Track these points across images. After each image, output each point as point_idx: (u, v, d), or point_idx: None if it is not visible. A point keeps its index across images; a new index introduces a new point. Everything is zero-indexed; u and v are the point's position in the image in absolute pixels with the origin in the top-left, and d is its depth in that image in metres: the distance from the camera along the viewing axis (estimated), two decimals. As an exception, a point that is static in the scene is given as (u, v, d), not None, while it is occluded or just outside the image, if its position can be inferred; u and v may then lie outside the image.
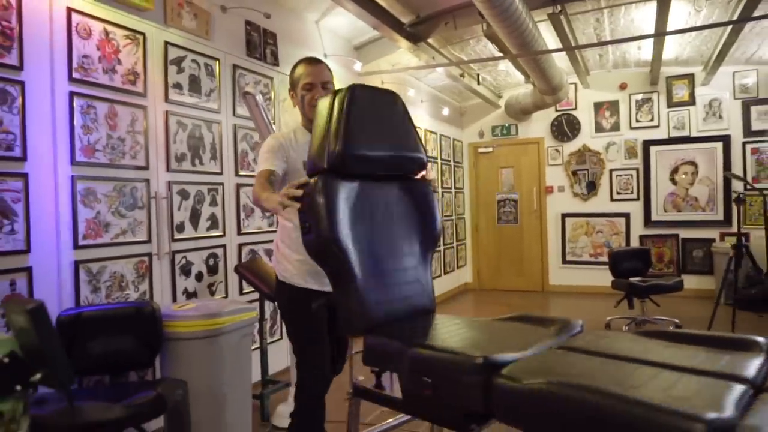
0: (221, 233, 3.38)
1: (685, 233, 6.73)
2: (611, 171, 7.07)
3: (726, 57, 5.57)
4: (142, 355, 2.43)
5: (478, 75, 6.45)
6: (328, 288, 1.82)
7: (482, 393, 1.30)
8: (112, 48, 2.70)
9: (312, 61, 2.17)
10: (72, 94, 2.50)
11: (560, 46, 5.10)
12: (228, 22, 3.49)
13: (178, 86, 3.08)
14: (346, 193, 1.71)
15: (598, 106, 7.10)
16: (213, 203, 3.32)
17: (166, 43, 3.01)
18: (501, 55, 5.22)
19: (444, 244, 6.98)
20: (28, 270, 2.31)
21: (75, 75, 2.52)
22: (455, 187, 7.51)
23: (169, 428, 2.60)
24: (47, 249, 2.39)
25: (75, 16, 2.52)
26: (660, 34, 4.64)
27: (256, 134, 3.50)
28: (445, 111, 6.79)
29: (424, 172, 1.95)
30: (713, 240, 6.53)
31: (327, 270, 1.72)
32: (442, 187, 7.01)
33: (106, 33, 2.67)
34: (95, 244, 2.59)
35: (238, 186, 3.53)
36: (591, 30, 5.40)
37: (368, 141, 1.74)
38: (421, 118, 6.40)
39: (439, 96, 6.98)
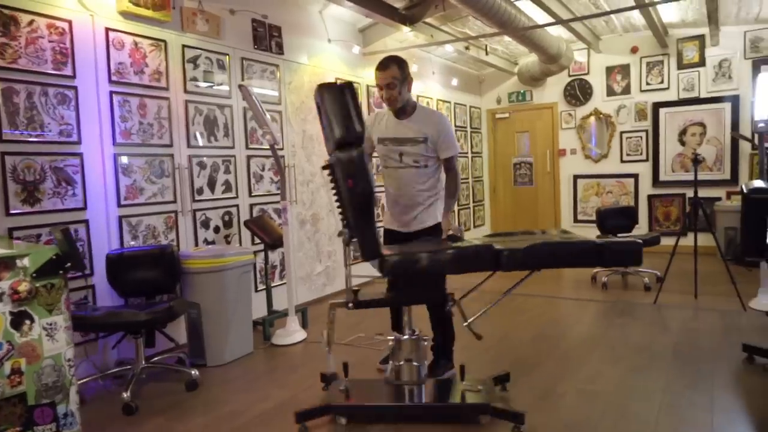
0: (234, 195, 4.25)
1: (691, 192, 6.95)
2: (621, 133, 7.34)
3: (721, 18, 5.71)
4: (167, 283, 3.35)
5: (486, 46, 6.89)
6: (404, 229, 2.96)
7: None
8: (141, 54, 3.55)
9: (379, 67, 2.86)
10: (112, 93, 3.39)
11: (550, 19, 5.49)
12: (236, 22, 4.26)
13: (194, 79, 3.91)
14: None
15: (609, 70, 7.34)
16: (227, 171, 4.18)
17: (184, 46, 3.83)
18: (493, 31, 5.67)
19: (459, 206, 7.60)
20: (86, 222, 3.26)
21: (113, 78, 3.40)
22: (472, 152, 8.05)
23: (190, 339, 3.54)
24: (99, 207, 3.33)
25: (111, 33, 3.38)
26: (626, 9, 4.95)
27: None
28: (454, 81, 7.29)
29: None
30: (719, 198, 6.74)
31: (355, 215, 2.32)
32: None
33: (135, 43, 3.52)
34: (133, 204, 3.52)
35: (249, 157, 4.37)
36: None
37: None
38: (433, 88, 6.97)
39: (454, 67, 7.48)
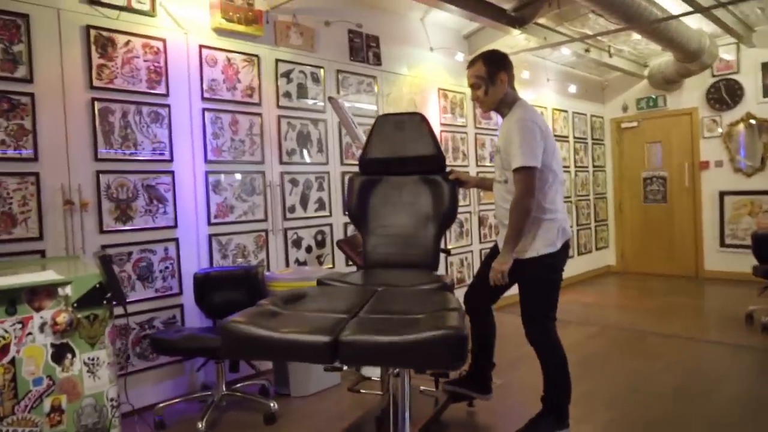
0: (328, 214, 4.06)
1: None
2: (783, 141, 6.14)
3: None
4: (251, 305, 3.19)
5: (609, 47, 6.14)
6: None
7: None
8: (233, 71, 3.50)
9: (467, 66, 2.54)
10: (204, 110, 3.35)
11: (690, 8, 4.69)
12: (332, 34, 4.10)
13: (287, 94, 3.80)
14: (368, 184, 2.59)
15: (767, 67, 6.19)
16: (320, 189, 4.00)
17: (277, 60, 3.73)
18: (618, 27, 4.98)
19: (578, 225, 6.84)
20: (176, 240, 3.22)
21: (205, 95, 3.36)
22: (593, 166, 7.25)
23: (275, 366, 3.36)
24: (189, 225, 3.28)
25: (204, 51, 3.36)
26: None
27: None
28: (572, 88, 6.59)
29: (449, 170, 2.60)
30: None
31: (357, 228, 2.65)
32: (576, 167, 6.86)
33: (228, 60, 3.47)
34: (223, 222, 3.44)
35: (344, 174, 4.16)
36: (735, -15, 4.83)
37: (386, 150, 2.58)
38: (547, 97, 6.36)
39: (572, 72, 6.79)
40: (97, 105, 2.90)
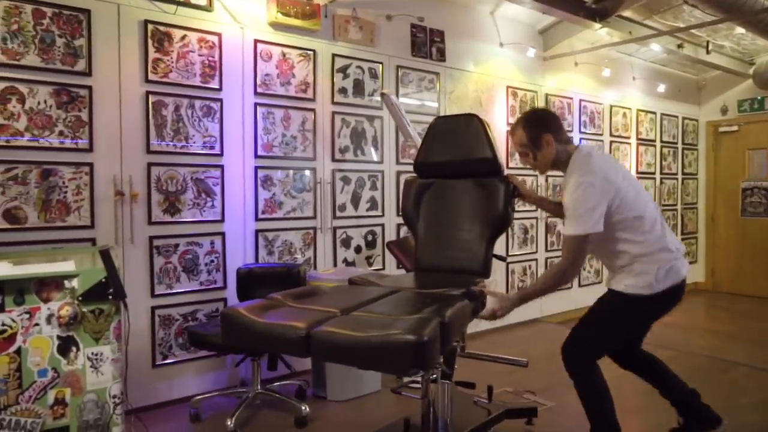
0: (380, 213, 3.93)
1: None
2: None
3: None
4: (292, 304, 3.14)
5: (707, 43, 5.53)
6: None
7: None
8: (288, 65, 3.46)
9: (510, 131, 2.50)
10: (256, 105, 3.34)
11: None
12: (393, 28, 3.97)
13: (343, 90, 3.71)
14: (422, 188, 2.55)
15: None
16: (373, 188, 3.88)
17: (334, 55, 3.65)
18: (716, 18, 4.44)
19: (661, 237, 6.24)
20: (223, 234, 3.23)
21: (259, 90, 3.35)
22: (683, 173, 6.59)
23: (314, 367, 3.29)
24: (236, 220, 3.29)
25: (259, 45, 3.34)
26: None
27: (417, 126, 3.89)
28: (661, 88, 6.01)
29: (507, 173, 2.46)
30: None
31: (410, 231, 2.63)
32: (662, 173, 6.26)
33: (283, 54, 3.44)
34: (271, 218, 3.42)
35: (399, 173, 4.02)
36: None
37: (441, 153, 2.49)
38: (632, 97, 5.84)
39: (662, 70, 6.21)
40: (151, 98, 2.96)
